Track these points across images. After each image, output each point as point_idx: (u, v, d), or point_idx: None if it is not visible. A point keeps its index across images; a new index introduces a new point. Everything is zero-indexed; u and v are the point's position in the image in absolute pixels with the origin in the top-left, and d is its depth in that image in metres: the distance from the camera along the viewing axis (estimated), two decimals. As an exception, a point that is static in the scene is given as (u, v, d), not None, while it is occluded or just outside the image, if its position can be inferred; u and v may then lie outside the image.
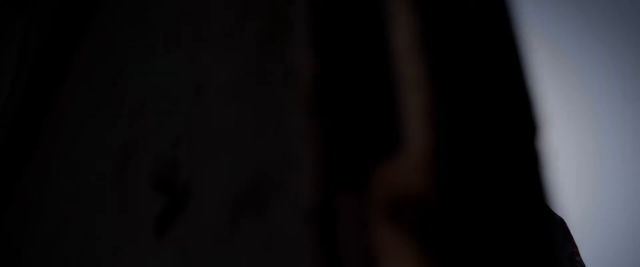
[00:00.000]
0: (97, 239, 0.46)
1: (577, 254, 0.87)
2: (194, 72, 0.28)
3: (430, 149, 0.21)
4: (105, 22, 0.59)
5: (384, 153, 0.20)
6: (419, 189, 0.20)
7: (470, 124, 0.21)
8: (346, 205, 0.20)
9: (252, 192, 0.22)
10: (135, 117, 0.39)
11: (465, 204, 0.20)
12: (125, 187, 0.42)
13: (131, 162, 0.40)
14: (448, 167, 0.21)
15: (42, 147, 0.61)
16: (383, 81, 0.21)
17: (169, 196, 0.31)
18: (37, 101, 0.63)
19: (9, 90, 0.67)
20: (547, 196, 0.20)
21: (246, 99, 0.23)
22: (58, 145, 0.57)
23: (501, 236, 0.20)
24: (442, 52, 0.23)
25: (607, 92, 3.16)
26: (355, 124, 0.21)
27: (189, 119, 0.27)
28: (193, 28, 0.29)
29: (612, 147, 3.15)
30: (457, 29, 0.23)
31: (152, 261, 0.34)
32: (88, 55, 0.58)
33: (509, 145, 0.21)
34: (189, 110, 0.28)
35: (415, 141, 0.21)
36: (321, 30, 0.22)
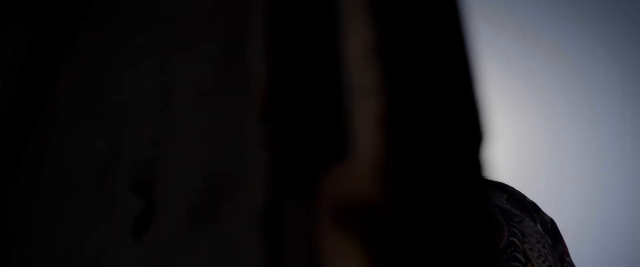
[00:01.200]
0: (85, 240, 0.46)
1: (567, 254, 0.88)
2: (164, 77, 0.29)
3: (379, 156, 0.21)
4: (96, 24, 0.60)
5: (334, 159, 0.21)
6: (367, 195, 0.21)
7: (420, 132, 0.22)
8: (295, 211, 0.20)
9: (210, 197, 0.22)
10: (117, 121, 0.40)
11: (413, 211, 0.21)
12: (109, 189, 0.43)
13: (114, 165, 0.41)
14: (397, 174, 0.21)
15: (32, 150, 0.62)
16: (335, 89, 0.22)
17: (146, 199, 0.32)
18: (28, 103, 0.64)
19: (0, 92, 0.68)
20: (489, 201, 0.21)
21: (208, 105, 0.24)
22: (48, 148, 0.58)
23: (447, 242, 0.20)
24: (396, 60, 0.23)
25: (607, 92, 3.16)
26: (306, 131, 0.21)
27: (159, 124, 0.28)
28: (166, 33, 0.30)
29: (612, 147, 3.15)
30: (411, 38, 0.24)
31: (131, 264, 0.35)
32: (78, 58, 0.58)
33: (455, 153, 0.21)
34: (160, 115, 0.28)
35: (365, 148, 0.21)
36: (276, 38, 0.23)
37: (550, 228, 0.89)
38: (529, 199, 0.91)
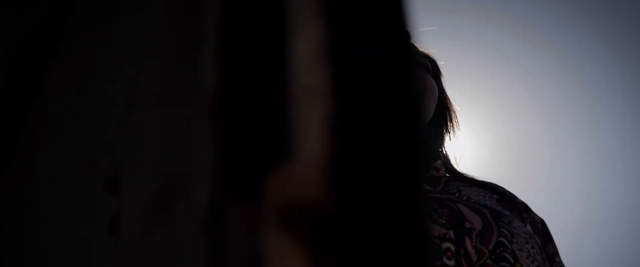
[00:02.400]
0: (71, 239, 0.47)
1: (557, 254, 0.88)
2: (129, 82, 0.29)
3: (326, 157, 0.22)
4: (82, 26, 0.61)
5: (279, 161, 0.21)
6: (312, 195, 0.21)
7: (365, 135, 0.22)
8: (239, 211, 0.21)
9: (163, 199, 0.23)
10: (96, 123, 0.41)
11: (355, 212, 0.21)
12: (91, 189, 0.44)
13: (94, 166, 0.42)
14: (342, 176, 0.22)
15: (22, 151, 0.63)
16: (283, 91, 0.22)
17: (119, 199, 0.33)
18: (17, 105, 0.64)
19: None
20: (425, 204, 0.21)
21: (165, 108, 0.25)
22: (37, 149, 0.59)
23: (386, 243, 0.21)
24: (344, 64, 0.24)
25: (607, 92, 3.15)
26: (252, 133, 0.22)
27: (125, 127, 0.29)
28: (133, 40, 0.31)
29: (612, 147, 3.14)
30: (360, 43, 0.24)
31: (108, 264, 0.36)
32: (65, 61, 0.59)
33: (396, 157, 0.22)
34: (125, 118, 0.29)
35: (312, 150, 0.22)
36: (227, 43, 0.23)
37: (540, 228, 0.89)
38: (519, 200, 0.91)
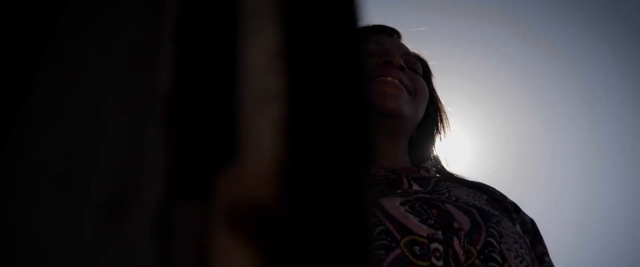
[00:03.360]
0: (51, 238, 0.47)
1: (546, 254, 0.88)
2: (98, 85, 0.30)
3: (278, 159, 0.22)
4: (73, 26, 0.61)
5: (228, 162, 0.22)
6: (262, 197, 0.22)
7: (317, 138, 0.23)
8: (187, 213, 0.21)
9: (116, 201, 0.23)
10: (73, 124, 0.41)
11: (306, 215, 0.22)
12: (69, 188, 0.44)
13: (72, 165, 0.42)
14: (293, 178, 0.22)
15: (10, 149, 0.63)
16: (234, 94, 0.23)
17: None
18: (4, 105, 0.65)
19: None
20: (369, 209, 0.22)
21: (124, 111, 0.25)
22: (22, 147, 0.59)
23: (334, 245, 0.21)
24: (299, 67, 0.24)
25: (607, 92, 3.15)
26: (203, 134, 0.22)
27: (90, 129, 0.29)
28: (102, 41, 0.31)
29: (613, 147, 3.14)
30: (315, 47, 0.24)
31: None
32: (50, 62, 0.60)
33: (346, 162, 0.22)
34: (91, 119, 0.29)
35: (264, 151, 0.22)
36: (182, 46, 0.24)
37: (530, 228, 0.89)
38: (509, 200, 0.92)
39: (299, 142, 0.23)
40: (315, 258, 0.21)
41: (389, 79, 0.88)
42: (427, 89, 0.95)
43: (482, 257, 0.75)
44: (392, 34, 1.01)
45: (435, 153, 0.98)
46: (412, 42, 1.03)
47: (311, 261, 0.21)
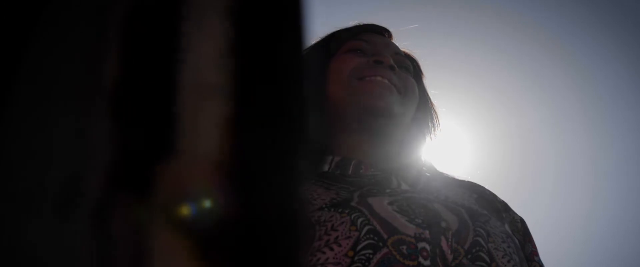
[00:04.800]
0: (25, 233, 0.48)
1: (536, 254, 0.88)
2: (46, 82, 0.30)
3: (220, 154, 0.22)
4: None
5: (169, 157, 0.22)
6: (201, 191, 0.22)
7: (260, 134, 0.23)
8: (127, 208, 0.21)
9: (64, 196, 0.23)
10: (25, 124, 0.42)
11: (245, 210, 0.22)
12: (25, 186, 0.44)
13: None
14: (234, 174, 0.22)
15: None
16: (176, 88, 0.23)
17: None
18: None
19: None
20: (303, 201, 0.22)
21: (69, 105, 0.25)
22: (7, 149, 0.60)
23: (270, 242, 0.21)
24: (246, 64, 0.24)
25: (613, 91, 3.14)
26: (145, 129, 0.22)
27: (46, 126, 0.29)
28: (50, 40, 0.31)
29: (617, 148, 3.13)
30: (261, 45, 0.25)
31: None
32: (35, 59, 0.60)
33: (285, 159, 0.22)
34: (47, 118, 0.29)
35: (206, 146, 0.22)
36: (127, 41, 0.24)
37: (520, 227, 0.89)
38: (499, 199, 0.91)
39: (239, 138, 0.23)
40: (250, 253, 0.21)
41: (379, 78, 0.88)
42: (417, 88, 0.95)
43: (469, 256, 0.74)
44: (383, 33, 1.01)
45: (426, 152, 0.98)
46: (408, 39, 1.03)
47: (246, 255, 0.21)
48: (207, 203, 0.22)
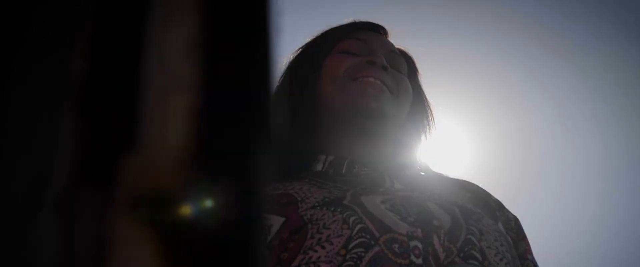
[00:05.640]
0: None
1: (529, 252, 0.87)
2: (15, 79, 0.30)
3: (187, 147, 0.22)
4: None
5: (134, 149, 0.22)
6: (167, 184, 0.22)
7: (227, 128, 0.23)
8: (90, 200, 0.21)
9: (33, 191, 0.23)
10: None
11: (207, 204, 0.22)
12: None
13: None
14: (200, 167, 0.22)
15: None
16: (145, 82, 0.23)
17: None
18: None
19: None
20: (264, 205, 0.22)
21: (38, 99, 0.25)
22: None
23: (234, 234, 0.21)
24: (215, 57, 0.24)
25: (614, 91, 3.13)
26: (109, 121, 0.22)
27: (13, 122, 0.29)
28: (18, 37, 0.32)
29: (620, 148, 3.12)
30: (230, 39, 0.25)
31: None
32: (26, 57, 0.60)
33: (250, 154, 0.22)
34: (19, 114, 0.30)
35: (173, 139, 0.22)
36: (95, 36, 0.24)
37: (513, 226, 0.89)
38: (493, 198, 0.91)
39: (205, 133, 0.23)
40: (211, 249, 0.21)
41: (371, 79, 0.88)
42: (410, 87, 0.95)
43: (462, 254, 0.74)
44: (378, 30, 1.01)
45: (421, 151, 0.98)
46: (407, 37, 1.03)
47: (207, 251, 0.21)
48: (171, 198, 0.22)
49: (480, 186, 0.93)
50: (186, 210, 0.22)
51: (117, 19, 0.25)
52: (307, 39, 1.00)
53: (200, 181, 0.22)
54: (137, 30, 0.24)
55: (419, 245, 0.74)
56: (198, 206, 0.22)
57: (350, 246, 0.72)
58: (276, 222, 0.76)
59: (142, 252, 0.21)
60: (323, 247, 0.72)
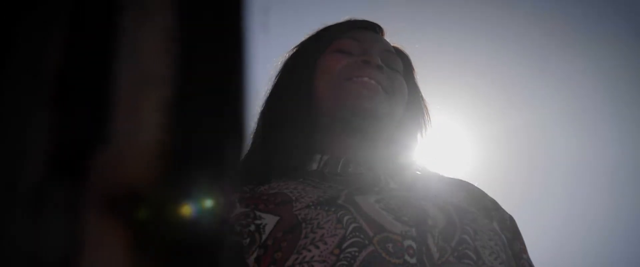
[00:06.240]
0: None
1: (525, 252, 0.87)
2: None
3: (152, 144, 0.22)
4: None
5: (107, 144, 0.22)
6: (140, 179, 0.22)
7: (193, 125, 0.23)
8: (62, 196, 0.21)
9: (14, 185, 0.23)
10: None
11: (180, 200, 0.22)
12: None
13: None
14: (174, 162, 0.22)
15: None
16: (119, 77, 0.23)
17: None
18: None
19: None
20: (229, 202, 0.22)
21: (17, 95, 0.25)
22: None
23: (203, 232, 0.21)
24: (191, 54, 0.24)
25: (610, 92, 3.12)
26: (83, 117, 0.22)
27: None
28: None
29: (616, 147, 3.11)
30: (205, 36, 0.24)
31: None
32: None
33: (222, 151, 0.22)
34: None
35: (139, 136, 0.22)
36: (69, 29, 0.24)
37: (509, 225, 0.89)
38: (489, 197, 0.91)
39: (178, 129, 0.23)
40: (181, 246, 0.21)
41: (366, 79, 0.88)
42: (405, 86, 0.94)
43: (456, 254, 0.74)
44: (374, 29, 1.01)
45: (417, 150, 0.97)
46: (406, 35, 1.02)
47: (177, 248, 0.21)
48: (143, 194, 0.22)
49: (475, 185, 0.92)
50: (157, 207, 0.22)
51: (91, 16, 0.25)
52: (303, 38, 0.99)
53: (171, 177, 0.22)
54: (111, 27, 0.24)
55: (413, 244, 0.74)
56: (169, 203, 0.22)
57: (344, 245, 0.72)
58: (270, 221, 0.76)
59: (114, 249, 0.21)
60: (317, 247, 0.72)
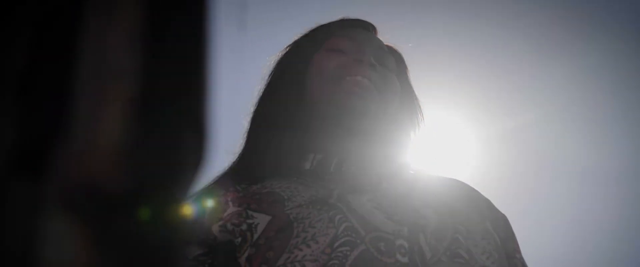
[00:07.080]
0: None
1: (518, 251, 0.87)
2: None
3: (126, 140, 0.22)
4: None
5: (69, 140, 0.21)
6: (103, 175, 0.21)
7: (157, 122, 0.22)
8: (23, 192, 0.21)
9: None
10: None
11: (142, 196, 0.21)
12: None
13: None
14: (138, 159, 0.22)
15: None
16: (82, 72, 0.22)
17: None
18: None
19: None
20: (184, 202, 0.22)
21: None
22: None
23: (161, 230, 0.21)
24: (156, 49, 0.24)
25: (610, 89, 3.12)
26: (44, 113, 0.22)
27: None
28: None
29: (619, 147, 3.11)
30: (171, 33, 0.24)
31: None
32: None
33: (188, 149, 0.22)
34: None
35: (112, 131, 0.22)
36: (39, 23, 0.23)
37: (502, 225, 0.89)
38: (482, 197, 0.91)
39: (141, 126, 0.23)
40: (139, 244, 0.21)
41: (359, 78, 0.88)
42: (397, 84, 0.94)
43: (448, 253, 0.74)
44: (367, 28, 1.01)
45: (411, 149, 0.97)
46: (395, 31, 1.02)
47: (136, 246, 0.21)
48: (103, 191, 0.22)
49: (469, 184, 0.92)
50: (118, 204, 0.21)
51: (55, 13, 0.24)
52: (296, 36, 0.99)
53: (132, 174, 0.22)
54: (75, 23, 0.24)
55: (405, 243, 0.74)
56: (130, 201, 0.21)
57: (336, 244, 0.72)
58: (262, 220, 0.76)
59: (73, 247, 0.21)
60: (308, 246, 0.72)
